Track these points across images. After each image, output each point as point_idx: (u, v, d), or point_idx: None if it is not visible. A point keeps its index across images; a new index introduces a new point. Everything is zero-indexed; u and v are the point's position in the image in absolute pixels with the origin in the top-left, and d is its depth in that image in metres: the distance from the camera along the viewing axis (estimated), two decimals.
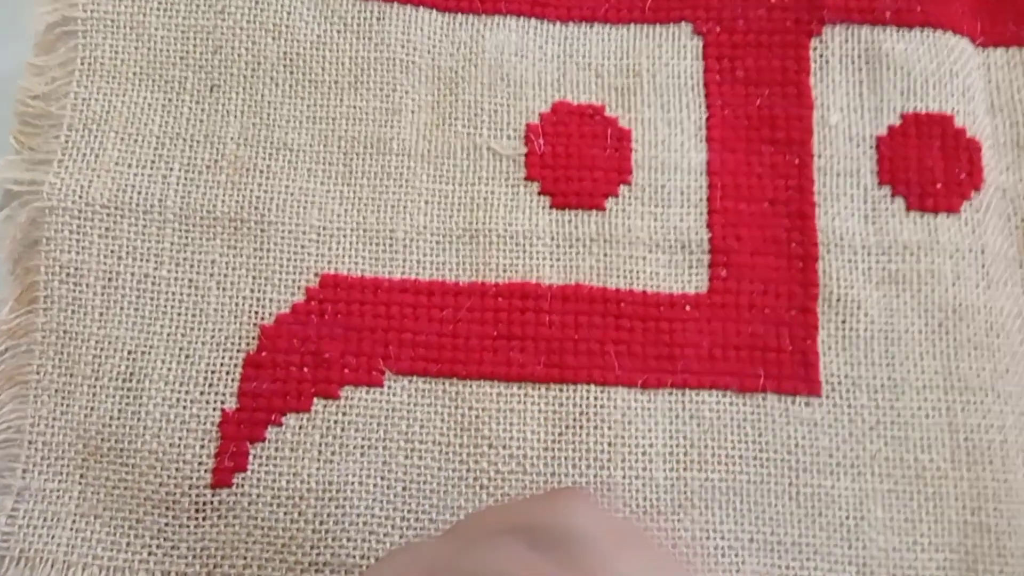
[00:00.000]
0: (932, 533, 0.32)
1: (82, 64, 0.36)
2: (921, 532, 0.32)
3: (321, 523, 0.31)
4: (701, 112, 0.36)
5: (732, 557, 0.32)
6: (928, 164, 0.35)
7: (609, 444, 0.32)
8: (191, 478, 0.31)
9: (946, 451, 0.32)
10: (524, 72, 0.36)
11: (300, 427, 0.32)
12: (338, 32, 0.36)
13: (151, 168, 0.35)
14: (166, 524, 0.31)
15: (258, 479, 0.32)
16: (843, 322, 0.34)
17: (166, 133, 0.35)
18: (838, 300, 0.34)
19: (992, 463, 0.32)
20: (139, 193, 0.34)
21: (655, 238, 0.35)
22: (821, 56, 0.37)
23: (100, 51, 0.36)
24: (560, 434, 0.32)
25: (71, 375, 0.32)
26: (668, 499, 0.32)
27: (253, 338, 0.33)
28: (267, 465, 0.32)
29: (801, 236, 0.35)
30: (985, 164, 0.36)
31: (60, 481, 0.32)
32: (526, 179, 0.35)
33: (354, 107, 0.36)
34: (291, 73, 0.36)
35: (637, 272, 0.34)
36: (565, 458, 0.32)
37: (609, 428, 0.32)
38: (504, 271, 0.34)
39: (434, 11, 0.37)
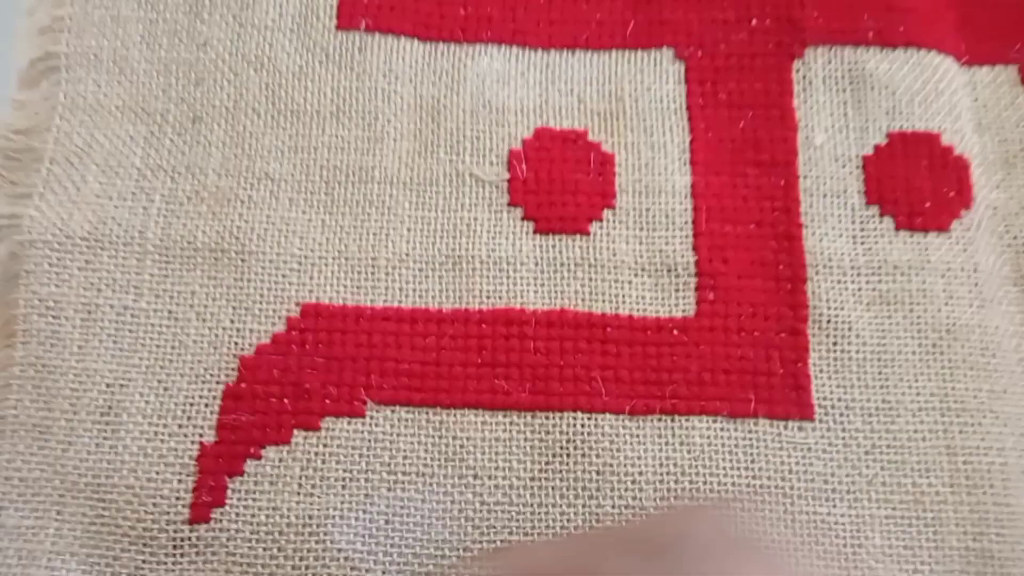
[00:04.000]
0: (933, 561, 0.31)
1: (64, 98, 0.36)
2: (921, 560, 0.31)
3: (301, 559, 0.30)
4: (684, 135, 0.36)
5: None
6: (916, 183, 0.35)
7: (597, 473, 0.31)
8: (168, 513, 0.31)
9: (945, 475, 0.32)
10: (506, 99, 0.36)
11: (280, 460, 0.31)
12: (320, 63, 0.36)
13: (132, 200, 0.34)
14: (143, 561, 0.30)
15: (237, 514, 0.31)
16: (834, 344, 0.33)
17: (148, 165, 0.35)
18: (828, 322, 0.33)
19: (993, 487, 0.31)
20: (119, 225, 0.34)
21: (640, 262, 0.34)
22: (804, 77, 0.37)
23: (83, 86, 0.36)
24: (547, 463, 0.32)
25: (49, 409, 0.32)
26: None
27: (232, 369, 0.32)
28: (246, 499, 0.31)
29: (789, 258, 0.34)
30: (975, 182, 0.36)
31: (36, 518, 0.31)
32: (509, 205, 0.35)
33: (336, 136, 0.36)
34: (273, 104, 0.36)
35: (623, 296, 0.34)
36: (552, 488, 0.31)
37: (597, 456, 0.32)
38: (488, 297, 0.34)
39: (415, 40, 0.37)
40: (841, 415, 0.32)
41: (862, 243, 0.34)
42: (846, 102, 0.36)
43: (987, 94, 0.38)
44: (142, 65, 0.36)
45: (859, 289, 0.34)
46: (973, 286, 0.34)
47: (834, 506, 0.31)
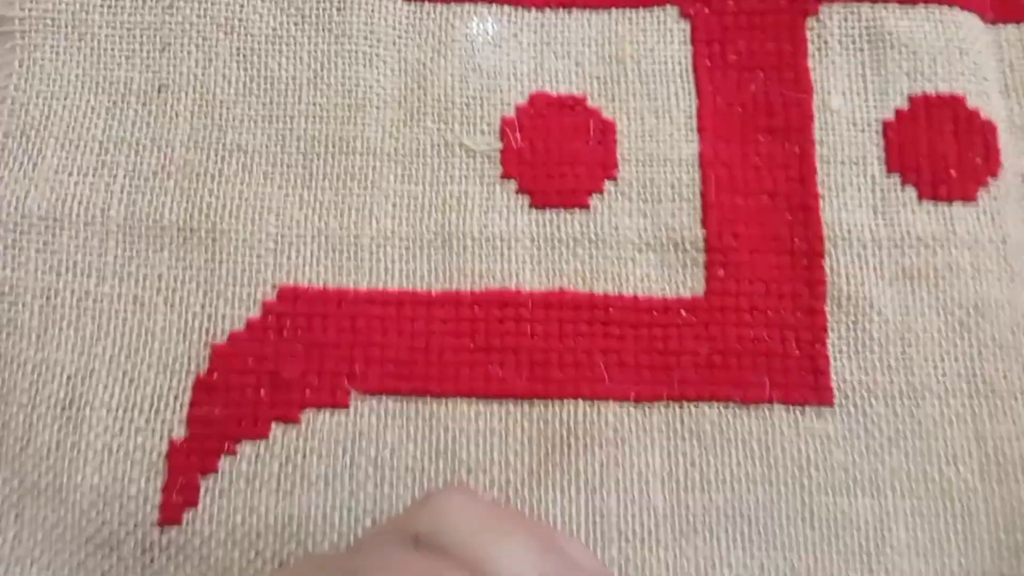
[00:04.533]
0: (962, 555, 0.29)
1: (20, 67, 0.34)
2: (949, 555, 0.29)
3: (281, 563, 0.28)
4: (691, 100, 0.34)
5: None
6: (940, 149, 0.33)
7: (600, 466, 0.30)
8: (136, 516, 0.29)
9: (974, 463, 0.30)
10: (498, 62, 0.34)
11: (257, 456, 0.29)
12: (295, 25, 0.34)
13: (93, 176, 0.32)
14: (110, 567, 0.29)
15: (210, 515, 0.29)
16: (854, 323, 0.31)
17: (110, 138, 0.33)
18: (848, 299, 0.31)
19: None
20: (80, 203, 0.32)
21: (645, 237, 0.32)
22: (819, 36, 0.34)
23: (39, 52, 0.34)
24: (545, 456, 0.30)
25: (5, 403, 0.30)
26: (668, 526, 0.29)
27: (204, 359, 0.30)
28: (220, 500, 0.29)
29: (804, 231, 0.32)
30: (1002, 148, 0.33)
31: None
32: (502, 177, 0.33)
33: (314, 104, 0.33)
34: (245, 70, 0.34)
35: (626, 275, 0.32)
36: (552, 483, 0.29)
37: (600, 448, 0.30)
38: (480, 278, 0.32)
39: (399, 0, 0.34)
40: (862, 400, 0.31)
41: (883, 214, 0.32)
42: (864, 63, 0.34)
43: (1014, 54, 0.36)
44: (103, 30, 0.34)
45: (880, 264, 0.32)
46: (1002, 259, 0.32)
47: (856, 498, 0.30)
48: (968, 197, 0.33)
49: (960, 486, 0.30)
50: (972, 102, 0.34)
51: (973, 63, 0.34)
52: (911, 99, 0.34)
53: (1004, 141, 0.34)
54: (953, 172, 0.33)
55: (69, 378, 0.30)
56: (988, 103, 0.34)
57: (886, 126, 0.33)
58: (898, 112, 0.33)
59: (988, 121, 0.33)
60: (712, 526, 0.29)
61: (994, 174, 0.33)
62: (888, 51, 0.34)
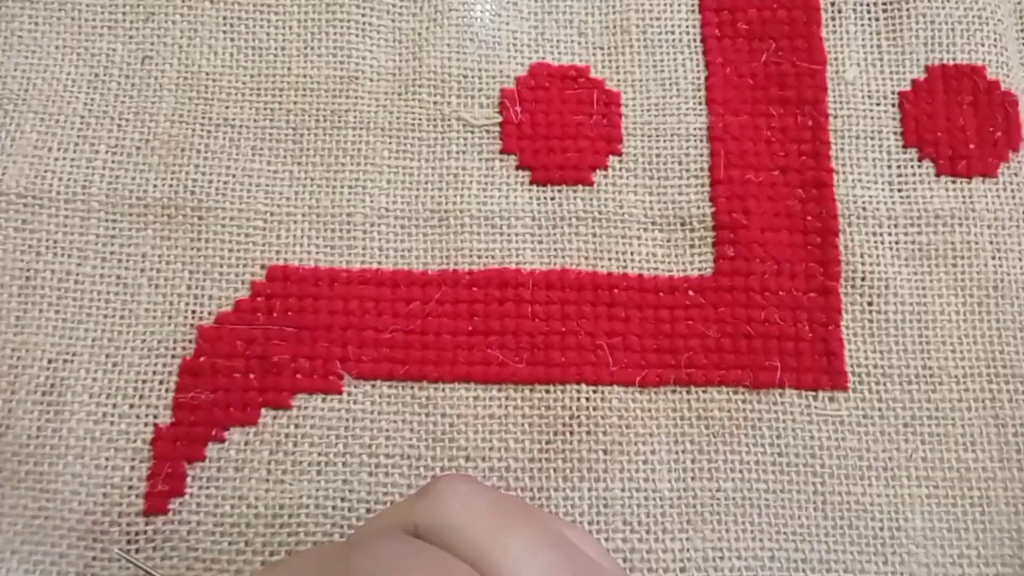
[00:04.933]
0: (980, 544, 0.28)
1: None
2: (967, 543, 0.28)
3: (272, 553, 0.27)
4: (699, 71, 0.32)
5: None
6: (959, 122, 0.32)
7: (605, 452, 0.28)
8: (120, 505, 0.28)
9: (993, 448, 0.29)
10: (497, 31, 0.33)
11: (246, 443, 0.28)
12: None
13: (74, 151, 0.31)
14: (93, 558, 0.27)
15: (198, 504, 0.28)
16: (869, 304, 0.30)
17: (92, 112, 0.32)
18: (863, 279, 0.30)
19: None
20: (60, 180, 0.31)
21: (651, 214, 0.31)
22: (833, 5, 0.33)
23: (18, 22, 0.33)
24: (548, 443, 0.28)
25: None
26: (675, 514, 0.28)
27: (190, 341, 0.29)
28: (208, 488, 0.28)
29: (818, 208, 0.31)
30: (1023, 121, 0.32)
31: None
32: (502, 152, 0.31)
33: (304, 76, 0.32)
34: (232, 40, 0.32)
35: (631, 254, 0.30)
36: (554, 470, 0.28)
37: (604, 434, 0.29)
38: (479, 257, 0.30)
39: None
40: (877, 384, 0.29)
41: (899, 190, 0.31)
42: (880, 32, 0.33)
43: None
44: None
45: (896, 242, 0.31)
46: (1022, 237, 0.31)
47: (870, 485, 0.28)
48: (988, 172, 0.31)
49: (978, 472, 0.29)
50: (992, 73, 0.32)
51: (993, 32, 0.33)
52: (928, 69, 0.32)
53: None
54: (972, 146, 0.31)
55: (50, 362, 0.29)
56: (1009, 74, 0.32)
57: (902, 97, 0.32)
58: (914, 83, 0.32)
59: (1009, 92, 0.32)
60: (720, 514, 0.28)
61: (1015, 148, 0.32)
62: (904, 19, 0.33)
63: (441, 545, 0.20)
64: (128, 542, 0.27)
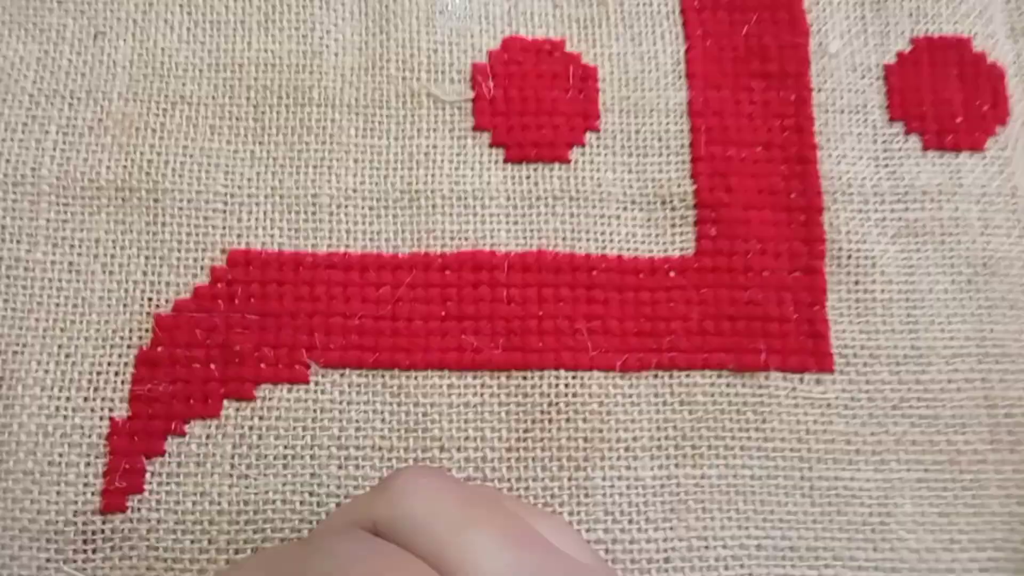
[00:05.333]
0: (972, 529, 0.27)
1: None
2: (959, 528, 0.27)
3: (236, 551, 0.26)
4: (679, 44, 0.31)
5: (737, 569, 0.27)
6: (945, 95, 0.31)
7: (585, 440, 0.27)
8: (76, 503, 0.26)
9: (984, 431, 0.28)
10: (468, 3, 0.31)
11: (207, 436, 0.27)
12: None
13: (23, 132, 0.29)
14: (47, 560, 0.26)
15: (158, 501, 0.26)
16: (856, 283, 0.29)
17: (41, 90, 0.30)
18: (849, 257, 0.29)
19: None
20: (8, 162, 0.29)
21: (630, 193, 0.30)
22: None
23: None
24: (526, 431, 0.27)
25: None
26: (658, 502, 0.27)
27: (146, 330, 0.28)
28: (168, 484, 0.27)
29: (802, 184, 0.30)
30: (1011, 94, 0.31)
31: None
32: (474, 129, 0.30)
33: (265, 51, 0.31)
34: (188, 14, 0.31)
35: (610, 234, 0.29)
36: (533, 459, 0.27)
37: (584, 421, 0.27)
38: (452, 239, 0.29)
39: None
40: (865, 365, 0.28)
41: (885, 166, 0.30)
42: (864, 3, 0.32)
43: None
44: None
45: (883, 219, 0.30)
46: (1011, 213, 0.30)
47: (858, 470, 0.28)
48: (976, 147, 0.30)
49: (969, 455, 0.28)
50: (979, 45, 0.31)
51: (979, 3, 0.32)
52: (914, 41, 0.31)
53: (1013, 86, 0.31)
54: (959, 120, 0.31)
55: None
56: (995, 46, 0.32)
57: (887, 70, 0.31)
58: (900, 55, 0.31)
59: (995, 65, 0.31)
60: (705, 501, 0.27)
61: (1003, 122, 0.31)
62: None
63: (400, 542, 0.19)
64: (84, 542, 0.26)
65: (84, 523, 0.26)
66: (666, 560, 0.26)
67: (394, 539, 0.20)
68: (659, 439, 0.27)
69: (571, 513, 0.27)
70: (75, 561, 0.26)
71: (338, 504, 0.26)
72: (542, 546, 0.20)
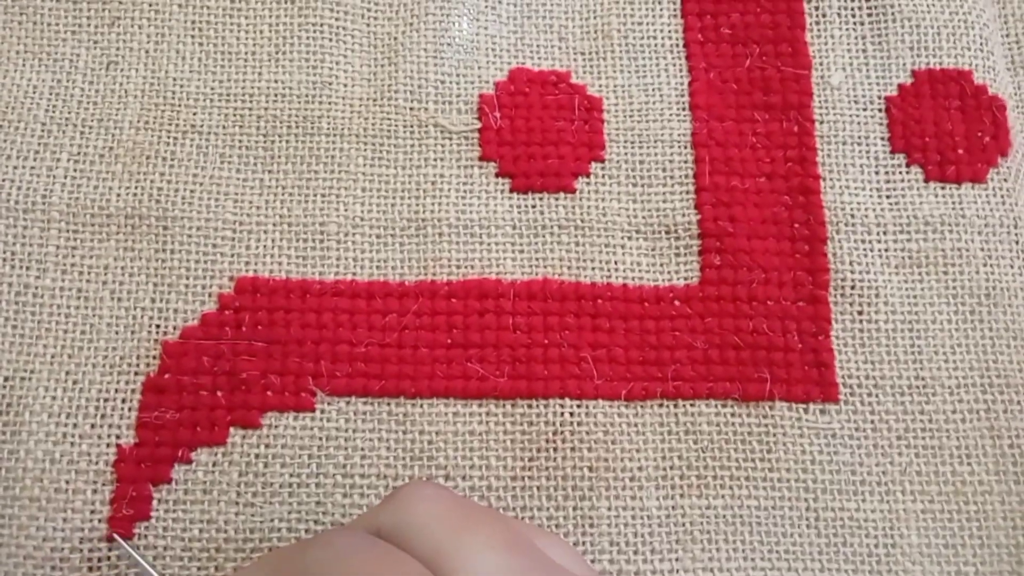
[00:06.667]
0: (978, 560, 0.27)
1: None
2: (964, 559, 0.27)
3: None
4: (682, 76, 0.32)
5: None
6: (947, 127, 0.31)
7: (590, 469, 0.27)
8: (82, 530, 0.26)
9: (989, 461, 0.28)
10: (475, 36, 0.32)
11: (214, 464, 0.27)
12: None
13: (34, 159, 0.30)
14: None
15: (164, 528, 0.26)
16: (859, 313, 0.29)
17: (53, 119, 0.30)
18: (852, 288, 0.29)
19: None
20: (19, 189, 0.29)
21: (635, 223, 0.30)
22: (817, 8, 0.33)
23: None
24: (531, 459, 0.27)
25: None
26: (663, 533, 0.27)
27: (154, 357, 0.28)
28: (175, 511, 0.27)
29: (805, 215, 0.30)
30: (1012, 126, 0.31)
31: None
32: (481, 159, 0.30)
33: (275, 82, 0.31)
34: (200, 45, 0.31)
35: (615, 263, 0.29)
36: (538, 488, 0.27)
37: (589, 450, 0.28)
38: (458, 267, 0.29)
39: None
40: (869, 395, 0.29)
41: (888, 197, 0.30)
42: (865, 36, 0.32)
43: (1020, 28, 0.34)
44: (47, 2, 0.32)
45: (886, 250, 0.30)
46: (1014, 243, 0.30)
47: (863, 500, 0.28)
48: (977, 178, 0.31)
49: (974, 485, 0.28)
50: (979, 77, 0.32)
51: (979, 36, 0.32)
52: (915, 73, 0.32)
53: (1013, 118, 0.32)
54: (961, 151, 0.31)
55: (7, 379, 0.27)
56: (995, 78, 0.32)
57: (889, 102, 0.31)
58: (901, 87, 0.31)
59: (996, 97, 0.32)
60: (711, 532, 0.27)
61: (1004, 153, 0.31)
62: (890, 23, 0.32)
63: (399, 544, 0.20)
64: (90, 569, 0.26)
65: (90, 550, 0.26)
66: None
67: (393, 541, 0.20)
68: (664, 468, 0.28)
69: (576, 543, 0.27)
70: None
71: None
72: (535, 553, 0.21)
